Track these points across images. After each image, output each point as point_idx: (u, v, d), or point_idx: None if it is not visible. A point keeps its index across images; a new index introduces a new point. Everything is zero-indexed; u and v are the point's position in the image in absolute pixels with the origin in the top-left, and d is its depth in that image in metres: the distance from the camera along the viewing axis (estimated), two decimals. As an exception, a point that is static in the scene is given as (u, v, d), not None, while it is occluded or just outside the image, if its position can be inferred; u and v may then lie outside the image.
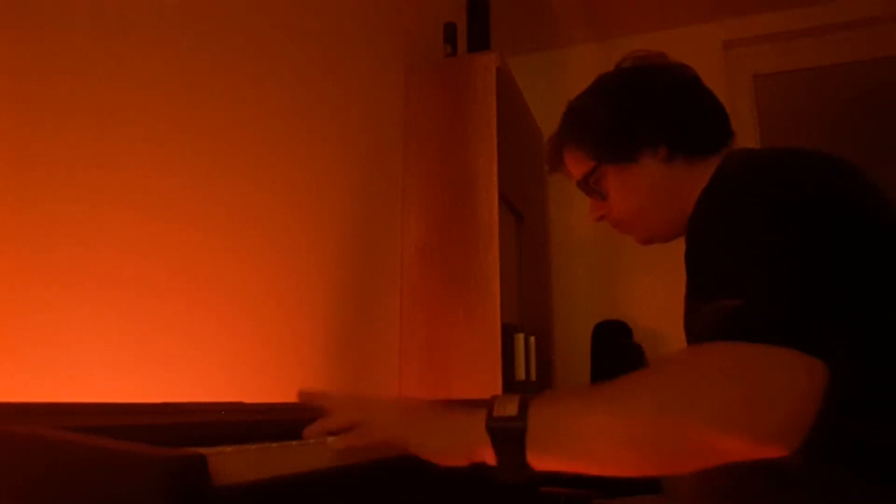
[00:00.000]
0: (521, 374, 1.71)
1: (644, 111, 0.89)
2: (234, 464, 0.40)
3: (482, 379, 1.56)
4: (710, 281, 0.64)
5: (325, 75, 1.44)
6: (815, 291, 0.58)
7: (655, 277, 2.23)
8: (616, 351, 2.21)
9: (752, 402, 0.51)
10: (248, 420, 0.64)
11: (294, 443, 0.50)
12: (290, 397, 1.23)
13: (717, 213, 0.68)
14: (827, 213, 0.63)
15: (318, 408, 0.65)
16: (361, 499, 0.58)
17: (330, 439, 0.58)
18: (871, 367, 0.60)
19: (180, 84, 1.02)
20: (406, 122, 1.82)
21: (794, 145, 0.74)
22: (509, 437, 0.56)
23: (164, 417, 0.58)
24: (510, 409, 0.57)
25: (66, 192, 0.81)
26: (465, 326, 1.62)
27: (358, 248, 1.55)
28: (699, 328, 0.62)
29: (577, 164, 0.97)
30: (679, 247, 0.86)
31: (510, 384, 1.61)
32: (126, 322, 0.88)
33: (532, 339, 1.79)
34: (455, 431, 0.60)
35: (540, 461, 0.56)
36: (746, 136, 2.28)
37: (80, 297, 0.82)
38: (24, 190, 0.76)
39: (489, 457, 0.58)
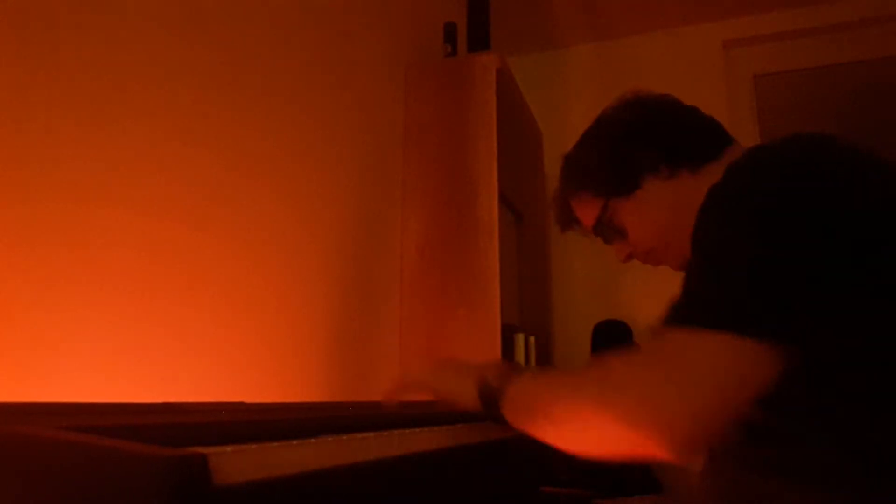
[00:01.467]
0: (521, 374, 1.71)
1: (634, 137, 0.91)
2: (234, 464, 0.40)
3: (482, 379, 1.56)
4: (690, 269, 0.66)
5: (325, 75, 1.44)
6: (781, 278, 0.58)
7: (655, 277, 2.23)
8: (616, 351, 2.20)
9: (653, 410, 0.57)
10: (248, 420, 0.64)
11: (295, 442, 0.50)
12: (290, 397, 1.24)
13: (705, 221, 0.69)
14: (801, 207, 0.61)
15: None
16: (362, 499, 0.58)
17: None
18: (872, 363, 0.60)
19: (181, 83, 1.02)
20: (406, 122, 1.82)
21: (790, 136, 0.73)
22: (492, 403, 0.74)
23: (164, 417, 0.58)
24: (496, 380, 0.75)
25: (66, 192, 0.81)
26: (465, 326, 1.62)
27: (358, 248, 1.55)
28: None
29: (586, 210, 0.97)
30: (679, 247, 0.86)
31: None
32: (126, 322, 0.88)
33: (532, 339, 1.79)
34: (461, 388, 0.79)
35: (511, 421, 0.72)
36: (746, 136, 2.28)
37: (81, 297, 0.82)
38: (24, 189, 0.76)
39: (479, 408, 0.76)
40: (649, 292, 2.32)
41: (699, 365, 0.57)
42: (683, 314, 0.60)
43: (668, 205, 0.88)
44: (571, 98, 2.53)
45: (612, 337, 2.24)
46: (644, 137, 0.90)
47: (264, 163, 1.22)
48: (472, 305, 1.63)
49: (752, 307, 0.57)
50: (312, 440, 0.52)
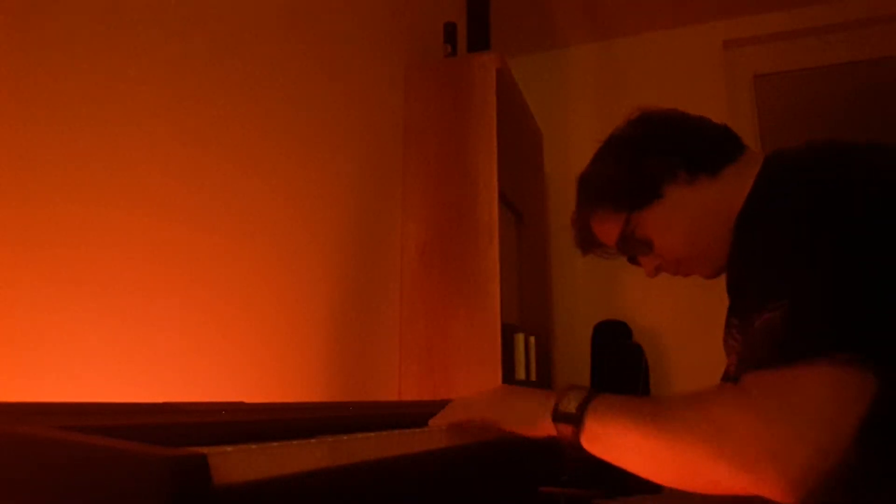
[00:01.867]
0: (521, 373, 1.71)
1: (648, 147, 0.90)
2: (235, 463, 0.40)
3: (482, 379, 1.56)
4: (756, 290, 0.65)
5: (325, 75, 1.44)
6: (863, 295, 0.58)
7: (656, 278, 2.23)
8: (616, 351, 2.21)
9: (769, 451, 0.56)
10: (249, 420, 0.64)
11: (294, 442, 0.50)
12: (290, 397, 1.24)
13: (763, 222, 0.68)
14: (875, 215, 0.62)
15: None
16: (362, 499, 0.58)
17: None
18: None
19: (181, 84, 1.02)
20: (406, 122, 1.82)
21: (835, 140, 0.72)
22: (568, 429, 0.70)
23: (164, 417, 0.58)
24: (572, 405, 0.70)
25: (67, 192, 0.81)
26: (465, 326, 1.62)
27: (358, 248, 1.55)
28: (743, 347, 0.65)
29: (608, 227, 0.96)
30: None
31: (510, 384, 1.61)
32: (126, 322, 0.88)
33: (532, 339, 1.79)
34: (531, 414, 0.75)
35: (591, 450, 0.69)
36: (746, 136, 2.27)
37: (80, 297, 0.82)
38: (24, 190, 0.76)
39: (554, 433, 0.73)
40: (649, 292, 2.33)
41: (809, 404, 0.55)
42: (775, 350, 0.59)
43: (691, 210, 0.88)
44: (571, 98, 2.53)
45: (612, 337, 2.25)
46: (658, 146, 0.89)
47: (264, 162, 1.22)
48: (472, 305, 1.63)
49: (841, 330, 0.57)
50: (312, 440, 0.52)
